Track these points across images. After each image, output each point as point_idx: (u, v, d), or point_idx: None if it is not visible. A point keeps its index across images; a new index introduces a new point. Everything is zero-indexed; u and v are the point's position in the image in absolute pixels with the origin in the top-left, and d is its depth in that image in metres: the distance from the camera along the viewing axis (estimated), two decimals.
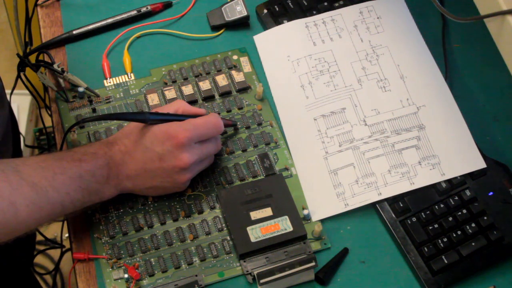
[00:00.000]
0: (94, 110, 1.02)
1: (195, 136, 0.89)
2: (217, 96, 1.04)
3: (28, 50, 1.07)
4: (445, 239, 0.93)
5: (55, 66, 1.03)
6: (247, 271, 0.90)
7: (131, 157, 0.89)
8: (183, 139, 0.88)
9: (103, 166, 0.87)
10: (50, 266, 1.84)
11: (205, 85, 1.04)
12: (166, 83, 1.05)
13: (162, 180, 0.90)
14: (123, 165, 0.89)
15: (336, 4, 1.11)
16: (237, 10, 1.11)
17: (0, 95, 1.02)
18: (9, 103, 1.13)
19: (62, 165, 0.85)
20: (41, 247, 1.86)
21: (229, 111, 1.03)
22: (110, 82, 1.05)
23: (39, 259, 1.85)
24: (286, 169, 0.99)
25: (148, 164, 0.89)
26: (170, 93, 1.03)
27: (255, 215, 0.93)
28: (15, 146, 1.17)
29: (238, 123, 1.01)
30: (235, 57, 1.08)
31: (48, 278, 1.81)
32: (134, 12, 1.11)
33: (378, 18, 1.10)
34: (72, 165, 0.85)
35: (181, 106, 0.93)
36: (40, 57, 1.06)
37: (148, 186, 0.91)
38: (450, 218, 0.95)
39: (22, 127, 1.95)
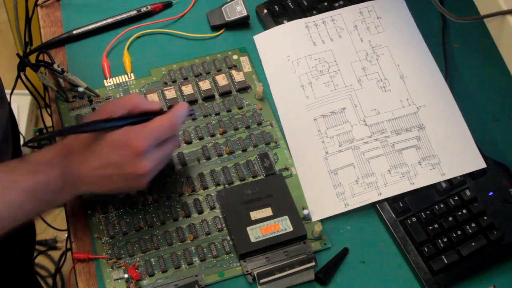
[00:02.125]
0: (94, 110, 1.02)
1: (153, 142, 0.86)
2: (217, 96, 1.04)
3: (28, 50, 1.07)
4: (445, 239, 0.93)
5: (55, 66, 1.03)
6: (247, 271, 0.90)
7: (88, 166, 0.86)
8: (141, 148, 0.85)
9: (58, 176, 0.85)
10: (50, 266, 1.84)
11: (205, 85, 1.04)
12: (166, 83, 1.05)
13: (120, 185, 0.88)
14: (80, 173, 0.86)
15: (336, 4, 1.11)
16: (237, 10, 1.11)
17: (0, 95, 1.02)
18: (9, 103, 1.13)
19: (14, 179, 0.83)
20: (41, 248, 1.87)
21: (229, 110, 1.03)
22: (110, 82, 1.05)
23: (39, 259, 1.85)
24: (286, 169, 0.99)
25: (106, 172, 0.86)
26: (170, 93, 1.03)
27: (255, 215, 0.93)
28: (15, 145, 1.17)
29: (195, 113, 1.01)
30: (235, 57, 1.08)
31: (48, 278, 1.81)
32: (134, 12, 1.11)
33: (378, 18, 1.10)
34: (25, 178, 0.83)
35: (135, 103, 0.89)
36: (40, 57, 1.06)
37: (105, 190, 0.89)
38: (450, 218, 0.95)
39: (22, 127, 1.95)
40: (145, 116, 0.88)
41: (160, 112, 0.90)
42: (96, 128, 0.86)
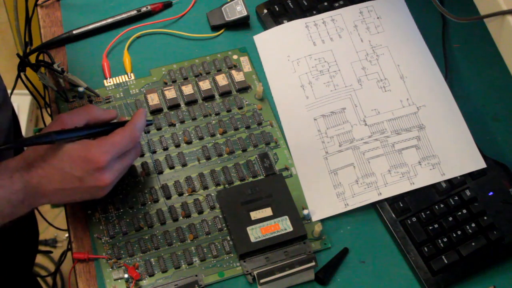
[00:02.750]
0: None
1: (114, 155, 0.86)
2: (217, 96, 1.04)
3: (28, 50, 1.07)
4: (445, 239, 0.93)
5: (55, 66, 1.03)
6: (247, 271, 0.90)
7: (48, 180, 0.84)
8: (103, 163, 0.84)
9: (18, 191, 0.83)
10: (50, 266, 1.84)
11: (205, 84, 1.04)
12: (166, 83, 1.05)
13: (79, 196, 0.88)
14: (40, 187, 0.84)
15: (336, 4, 1.11)
16: (237, 10, 1.11)
17: (3, 96, 1.01)
18: (11, 105, 1.13)
19: None
20: (41, 248, 1.87)
21: (229, 110, 1.03)
22: (110, 82, 1.05)
23: (39, 259, 1.85)
24: (286, 169, 0.99)
25: (67, 186, 0.85)
26: (170, 93, 1.03)
27: (255, 215, 0.93)
28: (17, 148, 1.17)
29: (153, 122, 1.00)
30: (235, 56, 1.08)
31: (48, 278, 1.81)
32: (134, 12, 1.11)
33: (378, 18, 1.10)
34: None
35: (91, 114, 0.88)
36: (40, 57, 1.06)
37: (65, 201, 0.89)
38: (450, 218, 0.95)
39: (22, 127, 1.95)
40: (101, 127, 0.88)
41: (119, 123, 0.90)
42: (50, 140, 0.84)
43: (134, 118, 0.90)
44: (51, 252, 1.74)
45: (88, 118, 0.89)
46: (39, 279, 1.70)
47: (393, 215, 0.96)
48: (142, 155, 0.98)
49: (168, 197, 0.96)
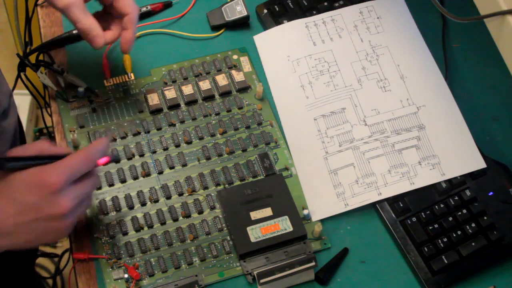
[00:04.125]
0: (94, 110, 1.02)
1: (68, 178, 0.79)
2: (217, 96, 1.04)
3: (28, 50, 1.07)
4: (445, 239, 0.93)
5: (55, 66, 1.03)
6: (247, 271, 0.90)
7: (3, 214, 0.78)
8: (58, 184, 0.78)
9: None
10: (50, 267, 1.84)
11: (205, 84, 1.04)
12: (166, 83, 1.05)
13: (42, 231, 0.80)
14: None
15: (336, 4, 1.11)
16: (237, 10, 1.11)
17: (8, 101, 1.01)
18: (16, 110, 1.13)
19: None
20: (41, 248, 1.86)
21: (229, 110, 1.03)
22: (110, 82, 1.05)
23: (40, 260, 1.85)
24: (286, 169, 0.99)
25: (23, 217, 0.78)
26: (170, 93, 1.03)
27: (255, 215, 0.93)
28: None
29: (119, 158, 0.97)
30: (235, 57, 1.08)
31: (49, 278, 1.81)
32: None
33: (378, 18, 1.10)
34: None
35: (44, 147, 0.83)
36: (40, 57, 1.06)
37: (27, 239, 0.80)
38: (450, 218, 0.95)
39: (22, 127, 1.95)
40: (54, 158, 0.82)
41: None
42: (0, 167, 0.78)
43: (92, 143, 0.87)
44: (57, 255, 1.73)
45: (41, 152, 0.82)
46: (39, 279, 1.70)
47: (393, 215, 0.96)
48: (142, 155, 0.98)
49: (168, 197, 0.96)
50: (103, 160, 0.86)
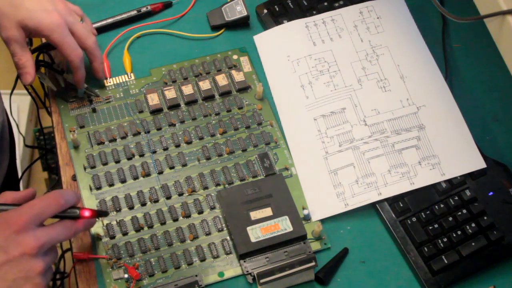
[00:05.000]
0: (94, 110, 1.02)
1: (32, 217, 0.77)
2: (217, 96, 1.04)
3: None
4: (445, 239, 0.93)
5: (55, 66, 1.03)
6: (247, 271, 0.90)
7: None
8: (20, 222, 0.76)
9: None
10: None
11: (205, 84, 1.04)
12: (166, 83, 1.05)
13: (13, 277, 0.76)
14: None
15: (336, 4, 1.11)
16: (237, 10, 1.11)
17: None
18: (4, 109, 1.12)
19: None
20: None
21: (229, 110, 1.03)
22: (110, 82, 1.05)
23: None
24: (286, 169, 0.99)
25: None
26: (170, 93, 1.03)
27: (255, 215, 0.93)
28: (11, 151, 1.16)
29: (109, 212, 0.94)
30: (235, 56, 1.08)
31: None
32: (134, 12, 1.11)
33: (378, 18, 1.10)
34: None
35: (7, 197, 0.83)
36: (40, 57, 1.06)
37: None
38: (450, 218, 0.95)
39: (22, 127, 1.95)
40: (17, 205, 0.81)
41: None
42: None
43: (62, 189, 0.85)
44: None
45: (5, 201, 0.82)
46: None
47: (393, 215, 0.96)
48: (142, 155, 0.98)
49: (168, 197, 0.96)
50: (87, 212, 0.84)
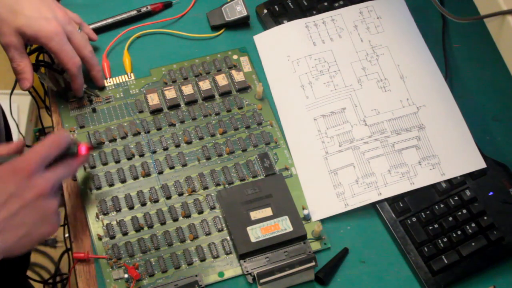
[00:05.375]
0: (94, 110, 1.02)
1: (40, 160, 0.82)
2: (217, 96, 1.04)
3: (28, 50, 1.07)
4: (445, 239, 0.93)
5: (55, 66, 1.03)
6: (247, 271, 0.90)
7: None
8: (31, 166, 0.80)
9: None
10: (50, 266, 1.84)
11: (205, 84, 1.04)
12: (166, 83, 1.05)
13: (31, 220, 0.80)
14: None
15: (336, 4, 1.11)
16: (237, 10, 1.11)
17: None
18: (2, 109, 1.12)
19: None
20: (41, 247, 1.87)
21: (229, 110, 1.03)
22: (110, 82, 1.05)
23: (39, 259, 1.85)
24: (286, 169, 0.99)
25: (8, 209, 0.79)
26: (170, 93, 1.03)
27: (255, 215, 0.93)
28: None
29: (103, 142, 0.97)
30: (235, 56, 1.08)
31: (48, 277, 1.81)
32: (134, 12, 1.11)
33: (378, 18, 1.10)
34: None
35: (1, 150, 0.86)
36: (40, 57, 1.06)
37: (20, 235, 0.80)
38: (450, 218, 0.95)
39: (22, 127, 1.95)
40: (15, 154, 0.86)
41: None
42: None
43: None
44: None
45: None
46: (38, 279, 1.70)
47: (393, 215, 0.96)
48: (142, 155, 0.98)
49: (168, 197, 0.96)
50: (84, 148, 0.89)
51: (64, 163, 0.86)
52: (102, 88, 1.04)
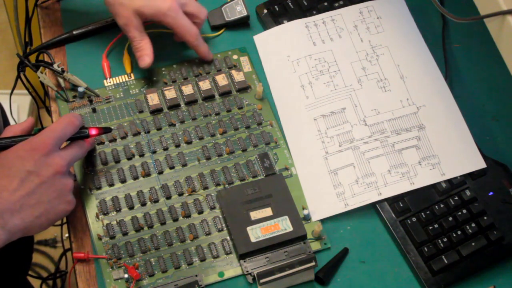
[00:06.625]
0: (94, 110, 1.02)
1: (56, 139, 0.86)
2: (217, 96, 1.04)
3: (28, 50, 1.07)
4: (445, 239, 0.93)
5: (55, 66, 1.03)
6: (247, 271, 0.90)
7: (6, 190, 0.80)
8: (48, 145, 0.84)
9: None
10: (50, 266, 1.84)
11: (205, 84, 1.04)
12: (166, 83, 1.05)
13: (48, 198, 0.83)
14: (3, 203, 0.80)
15: (336, 4, 1.11)
16: (237, 10, 1.11)
17: None
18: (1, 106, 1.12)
19: None
20: (41, 247, 1.87)
21: (229, 110, 1.03)
22: (110, 82, 1.05)
23: (40, 259, 1.85)
24: (286, 169, 0.99)
25: (27, 187, 0.81)
26: (170, 93, 1.03)
27: (255, 215, 0.93)
28: None
29: (112, 128, 0.96)
30: (235, 56, 1.08)
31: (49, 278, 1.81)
32: None
33: (378, 18, 1.10)
34: None
35: (15, 128, 0.91)
36: (40, 57, 1.06)
37: (37, 214, 0.82)
38: (450, 218, 0.95)
39: None
40: (30, 135, 0.90)
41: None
42: None
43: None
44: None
45: (15, 134, 0.90)
46: (38, 278, 1.70)
47: (393, 215, 0.96)
48: (142, 155, 0.98)
49: (168, 197, 0.96)
50: (94, 131, 0.92)
51: (77, 143, 0.90)
52: (102, 88, 1.04)
